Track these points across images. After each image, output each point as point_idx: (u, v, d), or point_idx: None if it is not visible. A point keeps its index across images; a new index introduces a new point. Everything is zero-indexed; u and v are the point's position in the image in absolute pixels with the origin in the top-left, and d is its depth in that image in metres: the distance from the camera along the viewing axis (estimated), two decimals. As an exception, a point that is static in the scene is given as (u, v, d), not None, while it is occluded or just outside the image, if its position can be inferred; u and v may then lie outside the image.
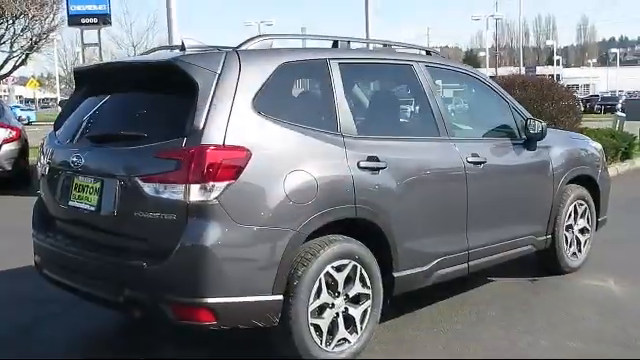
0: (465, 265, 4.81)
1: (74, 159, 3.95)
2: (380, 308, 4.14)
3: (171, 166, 3.50)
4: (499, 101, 5.41)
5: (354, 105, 4.38)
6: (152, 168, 3.57)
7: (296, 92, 4.32)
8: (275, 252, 3.63)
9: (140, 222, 3.61)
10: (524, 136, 5.34)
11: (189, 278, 3.47)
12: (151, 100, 4.00)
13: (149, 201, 3.56)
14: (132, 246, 3.69)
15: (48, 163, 4.34)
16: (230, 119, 3.60)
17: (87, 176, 3.95)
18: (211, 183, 3.45)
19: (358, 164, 4.04)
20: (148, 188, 3.56)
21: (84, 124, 4.24)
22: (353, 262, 3.97)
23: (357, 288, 4.01)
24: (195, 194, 3.45)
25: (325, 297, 3.82)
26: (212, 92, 3.60)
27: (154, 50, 5.11)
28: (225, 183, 3.48)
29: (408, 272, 4.31)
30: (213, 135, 3.52)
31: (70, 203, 4.06)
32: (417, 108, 4.90)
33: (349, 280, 3.97)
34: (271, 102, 3.84)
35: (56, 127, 4.51)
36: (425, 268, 4.45)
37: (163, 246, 3.51)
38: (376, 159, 4.13)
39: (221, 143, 3.52)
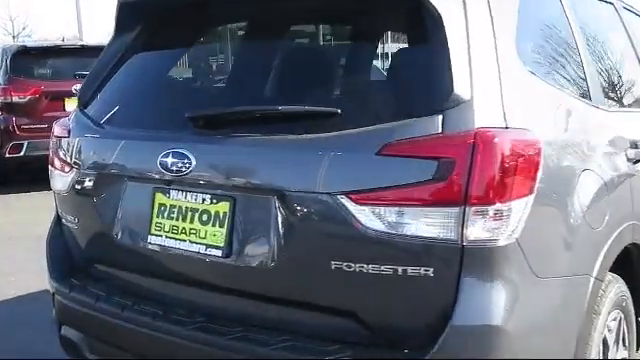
0: None
1: (166, 159, 2.11)
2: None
3: (419, 172, 1.78)
4: None
5: (592, 60, 2.78)
6: (372, 176, 1.82)
7: (539, 36, 2.63)
8: (576, 317, 2.03)
9: (338, 281, 1.87)
10: None
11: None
12: (334, 51, 2.29)
13: (363, 241, 1.82)
14: (323, 326, 1.95)
15: (84, 166, 2.44)
16: (501, 80, 1.92)
17: (196, 190, 2.13)
18: (506, 204, 1.76)
19: (626, 154, 2.49)
20: (363, 215, 1.81)
21: (171, 96, 2.39)
22: (620, 312, 2.43)
23: (620, 353, 2.48)
24: (478, 227, 1.75)
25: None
26: (465, 30, 1.90)
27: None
28: (522, 202, 1.80)
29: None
30: (489, 110, 1.84)
31: (153, 240, 2.22)
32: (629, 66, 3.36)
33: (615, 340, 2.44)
34: (532, 50, 2.21)
35: (86, 102, 2.59)
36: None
37: (399, 327, 1.83)
38: (636, 145, 2.59)
39: (503, 125, 1.84)
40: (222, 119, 2.12)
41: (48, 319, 2.74)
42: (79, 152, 2.47)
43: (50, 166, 2.65)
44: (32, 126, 8.26)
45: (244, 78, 2.48)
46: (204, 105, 2.30)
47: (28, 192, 8.11)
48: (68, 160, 2.49)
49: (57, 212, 2.69)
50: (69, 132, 2.53)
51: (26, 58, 8.51)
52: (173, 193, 2.18)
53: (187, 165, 2.07)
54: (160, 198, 2.21)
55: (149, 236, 2.23)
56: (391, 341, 1.87)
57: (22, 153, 8.37)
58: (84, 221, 2.48)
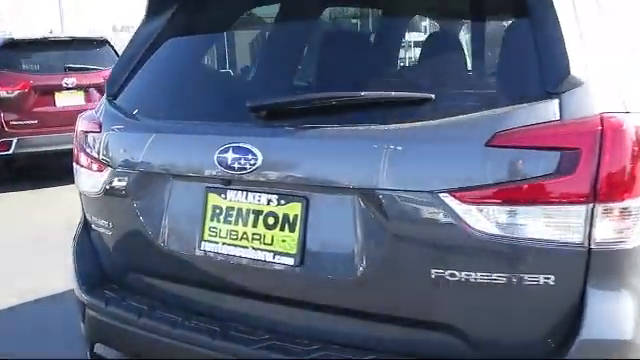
0: None
1: (225, 155, 1.85)
2: None
3: (537, 166, 1.53)
4: None
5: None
6: (480, 171, 1.57)
7: None
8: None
9: (438, 291, 1.63)
10: None
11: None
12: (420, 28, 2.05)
13: (471, 245, 1.58)
14: (416, 343, 1.70)
15: (121, 164, 2.16)
16: (615, 60, 1.69)
17: (259, 190, 1.86)
18: (636, 200, 1.53)
19: None
20: (470, 216, 1.57)
21: (220, 83, 2.12)
22: None
23: None
24: (607, 227, 1.52)
25: None
26: (573, 6, 1.66)
27: None
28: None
29: None
30: (607, 93, 1.60)
31: (206, 247, 1.96)
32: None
33: None
34: None
35: (115, 92, 2.32)
36: None
37: (509, 342, 1.60)
38: None
39: (623, 109, 1.60)
40: (292, 108, 1.85)
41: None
42: (114, 148, 2.19)
43: (75, 164, 2.36)
44: (21, 122, 7.89)
45: (308, 62, 2.22)
46: (263, 93, 2.03)
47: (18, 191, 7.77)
48: (100, 158, 2.21)
49: (84, 216, 2.41)
50: (100, 126, 2.25)
51: (13, 51, 8.12)
52: (231, 194, 1.92)
53: (252, 162, 1.80)
54: (214, 199, 1.95)
55: (202, 242, 1.96)
56: (498, 359, 1.63)
57: (11, 151, 7.99)
58: (120, 226, 2.21)
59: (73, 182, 2.36)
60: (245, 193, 1.89)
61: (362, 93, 1.74)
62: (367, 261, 1.69)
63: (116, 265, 2.30)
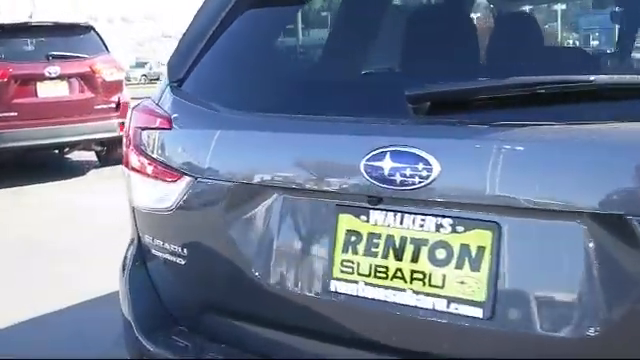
0: None
1: (380, 163, 1.32)
2: None
3: None
4: None
5: None
6: None
7: None
8: None
9: None
10: None
11: None
12: None
13: None
14: None
15: (204, 172, 1.61)
16: None
17: (423, 211, 1.34)
18: None
19: None
20: None
21: (341, 64, 1.60)
22: None
23: None
24: None
25: None
26: None
27: None
28: None
29: None
30: None
31: (337, 287, 1.43)
32: None
33: None
34: None
35: (183, 74, 1.76)
36: None
37: None
38: None
39: None
40: (481, 99, 1.32)
41: None
42: (194, 151, 1.64)
43: (128, 170, 1.81)
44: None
45: (472, 38, 1.69)
46: (418, 79, 1.50)
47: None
48: (173, 164, 1.67)
49: (138, 238, 1.86)
50: (170, 122, 1.70)
51: (-10, 37, 7.43)
52: (377, 215, 1.39)
53: (424, 173, 1.28)
54: (349, 222, 1.42)
55: (331, 281, 1.43)
56: None
57: (-12, 146, 7.31)
58: (200, 253, 1.66)
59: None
60: (400, 215, 1.37)
61: (592, 78, 1.23)
62: (606, 315, 1.19)
63: (188, 303, 1.76)
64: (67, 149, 8.31)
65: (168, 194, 1.67)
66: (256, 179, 1.53)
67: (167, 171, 1.67)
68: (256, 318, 1.61)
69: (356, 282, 1.41)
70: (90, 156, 8.48)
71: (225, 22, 1.75)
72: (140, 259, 1.86)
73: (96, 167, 8.31)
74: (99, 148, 8.19)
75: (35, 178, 7.37)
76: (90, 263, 4.44)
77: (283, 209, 1.51)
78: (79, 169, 8.22)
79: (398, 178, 1.30)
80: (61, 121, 7.39)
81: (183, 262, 1.69)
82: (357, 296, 1.40)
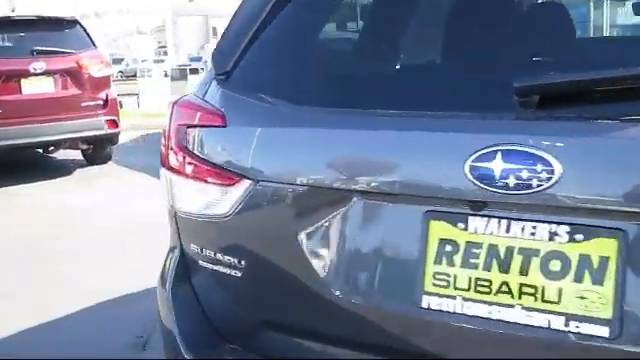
0: None
1: (489, 164, 1.17)
2: None
3: None
4: None
5: None
6: None
7: None
8: None
9: None
10: None
11: None
12: None
13: None
14: None
15: (267, 175, 1.45)
16: None
17: (534, 218, 1.19)
18: None
19: None
20: None
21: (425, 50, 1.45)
22: None
23: None
24: None
25: None
26: None
27: None
28: None
29: None
30: None
31: (429, 303, 1.27)
32: None
33: None
34: None
35: (231, 65, 1.59)
36: None
37: None
38: None
39: None
40: (597, 91, 1.17)
41: None
42: (253, 151, 1.47)
43: (171, 173, 1.64)
44: (-19, 113, 6.93)
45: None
46: (516, 67, 1.34)
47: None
48: (227, 165, 1.50)
49: (180, 247, 1.68)
50: (223, 118, 1.52)
51: (-29, 32, 7.14)
52: (477, 222, 1.24)
53: (545, 175, 1.13)
54: (443, 230, 1.27)
55: (422, 296, 1.28)
56: None
57: (-31, 145, 7.03)
58: (260, 264, 1.50)
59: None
60: (506, 222, 1.21)
61: None
62: None
63: (242, 319, 1.59)
64: (52, 148, 8.04)
65: (223, 199, 1.50)
66: (331, 182, 1.36)
67: (222, 173, 1.50)
68: (326, 336, 1.45)
69: (453, 297, 1.25)
70: (76, 155, 8.22)
71: (278, 6, 1.58)
72: (182, 269, 1.69)
73: (82, 166, 8.06)
74: (85, 147, 7.93)
75: (21, 178, 7.11)
76: (90, 263, 4.32)
77: (362, 215, 1.35)
78: (65, 169, 7.96)
79: (512, 181, 1.15)
80: (47, 119, 7.13)
81: (239, 274, 1.53)
82: (454, 312, 1.25)
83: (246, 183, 1.46)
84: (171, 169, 1.63)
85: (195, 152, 1.56)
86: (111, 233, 5.01)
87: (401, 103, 1.34)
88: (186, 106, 1.64)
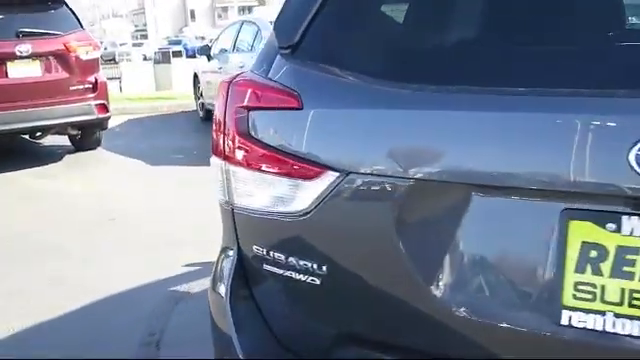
0: None
1: None
2: None
3: None
4: None
5: None
6: None
7: None
8: None
9: None
10: None
11: None
12: None
13: None
14: None
15: (358, 167, 1.22)
16: None
17: None
18: None
19: None
20: None
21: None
22: None
23: None
24: None
25: None
26: None
27: None
28: None
29: None
30: None
31: (570, 320, 1.06)
32: None
33: None
34: None
35: (297, 38, 1.36)
36: None
37: None
38: None
39: None
40: None
41: None
42: (340, 137, 1.24)
43: (229, 164, 1.40)
44: (-35, 98, 6.59)
45: None
46: None
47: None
48: (307, 155, 1.26)
49: (238, 249, 1.45)
50: (298, 99, 1.29)
51: (-47, 12, 6.76)
52: (633, 223, 1.02)
53: None
54: (588, 232, 1.05)
55: (562, 312, 1.06)
56: None
57: (-47, 132, 6.69)
58: (348, 271, 1.27)
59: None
60: None
61: None
62: None
63: (319, 333, 1.37)
64: (39, 134, 7.71)
65: (300, 194, 1.27)
66: (443, 174, 1.14)
67: (299, 164, 1.27)
68: (429, 356, 1.23)
69: (602, 313, 1.04)
70: (64, 141, 7.90)
71: None
72: (241, 274, 1.46)
73: (70, 152, 7.75)
74: (74, 132, 7.61)
75: (8, 165, 6.80)
76: (81, 256, 4.09)
77: (478, 213, 1.13)
78: (54, 155, 7.65)
79: None
80: (34, 104, 6.82)
81: (318, 282, 1.30)
82: (603, 331, 1.04)
83: (331, 175, 1.23)
84: (229, 159, 1.40)
85: (263, 140, 1.33)
86: (110, 223, 4.76)
87: (536, 79, 1.12)
88: (247, 85, 1.40)
